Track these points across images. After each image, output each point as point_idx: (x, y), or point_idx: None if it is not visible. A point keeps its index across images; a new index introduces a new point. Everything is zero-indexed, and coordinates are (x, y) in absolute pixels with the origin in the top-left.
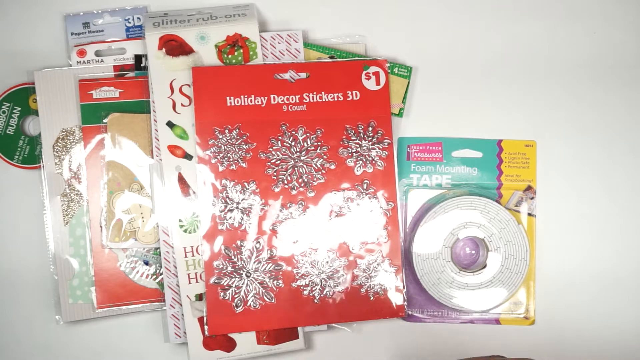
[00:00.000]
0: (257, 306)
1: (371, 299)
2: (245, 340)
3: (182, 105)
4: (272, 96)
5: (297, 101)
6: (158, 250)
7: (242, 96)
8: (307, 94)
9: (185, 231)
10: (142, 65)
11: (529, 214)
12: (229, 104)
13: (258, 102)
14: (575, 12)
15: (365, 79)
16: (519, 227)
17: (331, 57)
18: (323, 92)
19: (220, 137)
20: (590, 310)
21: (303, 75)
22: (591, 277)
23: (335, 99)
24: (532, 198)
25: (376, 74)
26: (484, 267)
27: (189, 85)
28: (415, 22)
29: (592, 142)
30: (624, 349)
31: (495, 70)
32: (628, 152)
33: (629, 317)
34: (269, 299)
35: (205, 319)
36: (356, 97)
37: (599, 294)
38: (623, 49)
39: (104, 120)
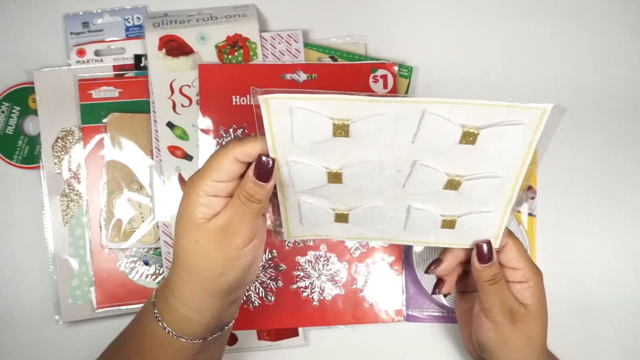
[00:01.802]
0: (257, 305)
1: (369, 302)
2: (246, 336)
3: (182, 106)
4: None
5: None
6: (158, 250)
7: (248, 95)
8: None
9: None
10: (141, 65)
11: (529, 214)
12: (234, 103)
13: None
14: (575, 11)
15: (373, 82)
16: (519, 227)
17: (331, 57)
18: None
19: (225, 136)
20: (591, 310)
21: (312, 76)
22: (591, 276)
23: None
24: (532, 198)
25: (384, 77)
26: None
27: (189, 85)
28: (416, 22)
29: (592, 143)
30: (625, 347)
31: (495, 70)
32: (628, 152)
33: (630, 317)
34: (269, 300)
35: None
36: None
37: (599, 293)
38: (624, 48)
39: (104, 120)
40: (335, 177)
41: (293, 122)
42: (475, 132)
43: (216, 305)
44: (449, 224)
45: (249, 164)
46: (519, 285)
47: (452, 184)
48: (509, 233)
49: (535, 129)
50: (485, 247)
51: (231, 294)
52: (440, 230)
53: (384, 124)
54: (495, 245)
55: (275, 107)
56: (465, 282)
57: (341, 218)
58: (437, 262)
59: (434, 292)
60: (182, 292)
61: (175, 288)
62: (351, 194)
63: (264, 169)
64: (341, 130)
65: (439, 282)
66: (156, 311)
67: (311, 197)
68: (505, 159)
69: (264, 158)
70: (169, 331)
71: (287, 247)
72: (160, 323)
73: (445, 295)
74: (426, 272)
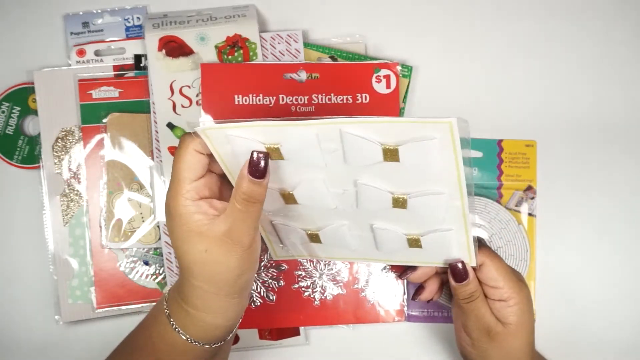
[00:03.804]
0: (258, 305)
1: (371, 302)
2: (248, 335)
3: (183, 106)
4: (280, 96)
5: (306, 102)
6: (158, 250)
7: (250, 95)
8: (316, 95)
9: None
10: (141, 65)
11: (529, 214)
12: (236, 102)
13: (266, 101)
14: (575, 11)
15: (376, 82)
16: (519, 227)
17: (331, 57)
18: (332, 94)
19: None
20: (591, 310)
21: (313, 75)
22: (591, 276)
23: (345, 101)
24: (532, 198)
25: (387, 77)
26: None
27: (189, 86)
28: (416, 22)
29: (592, 142)
30: (625, 348)
31: (495, 70)
32: (628, 152)
33: (630, 317)
34: (270, 299)
35: None
36: (365, 100)
37: (599, 293)
38: (624, 47)
39: (104, 120)
40: (289, 198)
41: (233, 149)
42: (394, 149)
43: (240, 304)
44: (414, 243)
45: (210, 156)
46: (499, 304)
47: (399, 202)
48: (488, 251)
49: (452, 142)
50: (459, 266)
51: (249, 287)
52: (410, 250)
53: (309, 146)
54: (472, 263)
55: (214, 137)
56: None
57: (314, 238)
58: (411, 268)
59: (413, 298)
60: (205, 302)
61: (197, 301)
62: (313, 214)
63: (258, 164)
64: (275, 153)
65: (419, 288)
66: (174, 324)
67: (281, 218)
68: (438, 174)
69: (255, 154)
70: (192, 340)
71: None
72: (182, 335)
73: (428, 301)
74: (400, 277)
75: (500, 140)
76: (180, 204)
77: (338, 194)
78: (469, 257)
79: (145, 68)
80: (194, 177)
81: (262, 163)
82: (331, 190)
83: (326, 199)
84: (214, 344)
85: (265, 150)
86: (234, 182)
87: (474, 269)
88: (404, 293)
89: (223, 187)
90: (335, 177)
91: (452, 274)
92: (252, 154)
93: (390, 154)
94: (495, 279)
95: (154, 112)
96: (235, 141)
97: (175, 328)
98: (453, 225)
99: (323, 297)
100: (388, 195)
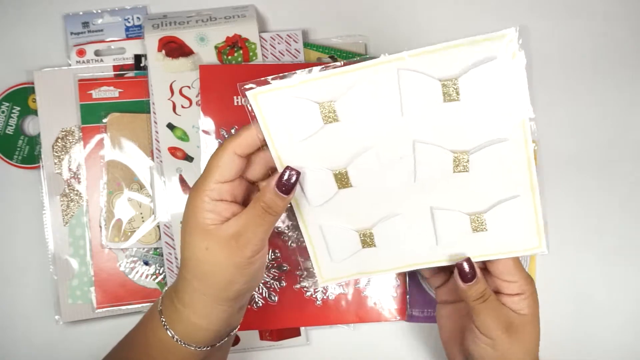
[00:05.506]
0: (260, 305)
1: (373, 301)
2: (249, 336)
3: (183, 107)
4: None
5: None
6: (158, 250)
7: None
8: None
9: None
10: (141, 65)
11: None
12: (235, 104)
13: None
14: (575, 10)
15: None
16: None
17: (331, 57)
18: None
19: (227, 137)
20: (591, 310)
21: None
22: (591, 277)
23: None
24: None
25: None
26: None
27: (189, 87)
28: (416, 22)
29: (592, 142)
30: (625, 348)
31: None
32: (628, 152)
33: (630, 317)
34: (272, 300)
35: None
36: None
37: (599, 293)
38: (624, 48)
39: (104, 120)
40: (342, 179)
41: (285, 115)
42: (454, 81)
43: (226, 312)
44: (479, 224)
45: (248, 157)
46: (516, 297)
47: (460, 163)
48: None
49: (513, 60)
50: (465, 265)
51: (240, 300)
52: (475, 237)
53: (364, 95)
54: (542, 247)
55: (265, 102)
56: (447, 289)
57: (367, 241)
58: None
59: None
60: (192, 300)
61: (185, 296)
62: (366, 202)
63: (288, 181)
64: (329, 112)
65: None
66: (164, 320)
67: (331, 216)
68: (499, 109)
69: (287, 172)
70: (177, 339)
71: (290, 247)
72: (168, 332)
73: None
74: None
75: None
76: (199, 198)
77: (395, 162)
78: (539, 239)
79: (145, 68)
80: (221, 179)
81: (293, 180)
82: (388, 160)
83: (382, 176)
84: (199, 347)
85: (319, 109)
86: (274, 153)
87: (488, 264)
88: (406, 291)
89: (252, 195)
90: (392, 141)
91: (459, 275)
92: (285, 169)
93: (451, 90)
94: (513, 272)
95: (154, 113)
96: (289, 104)
97: (164, 325)
98: (519, 188)
99: (325, 297)
100: (449, 155)
